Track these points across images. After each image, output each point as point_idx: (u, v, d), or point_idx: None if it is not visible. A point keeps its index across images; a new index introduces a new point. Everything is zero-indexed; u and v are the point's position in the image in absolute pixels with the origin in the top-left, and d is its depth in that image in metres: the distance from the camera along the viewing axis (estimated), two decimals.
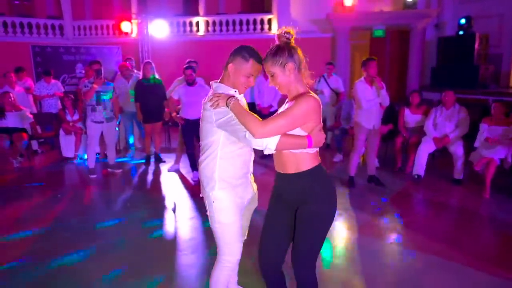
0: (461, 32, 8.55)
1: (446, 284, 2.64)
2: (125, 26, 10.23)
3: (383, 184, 4.72)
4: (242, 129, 1.76)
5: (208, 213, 2.01)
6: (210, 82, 2.05)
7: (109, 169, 5.49)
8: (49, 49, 10.37)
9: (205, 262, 2.95)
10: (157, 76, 5.80)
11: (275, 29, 10.60)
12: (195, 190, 4.72)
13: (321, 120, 1.85)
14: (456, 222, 3.84)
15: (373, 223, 3.69)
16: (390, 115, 5.71)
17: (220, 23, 11.11)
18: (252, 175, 2.11)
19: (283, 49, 1.79)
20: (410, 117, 5.41)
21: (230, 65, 1.92)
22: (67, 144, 6.33)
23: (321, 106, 1.82)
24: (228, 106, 1.78)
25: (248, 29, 10.93)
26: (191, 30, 11.30)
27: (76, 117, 6.41)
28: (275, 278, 1.99)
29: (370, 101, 4.40)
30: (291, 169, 1.83)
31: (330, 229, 1.90)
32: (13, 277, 2.78)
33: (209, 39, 11.07)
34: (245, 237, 2.21)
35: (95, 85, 5.00)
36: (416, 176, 4.86)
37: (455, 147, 4.75)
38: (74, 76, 10.45)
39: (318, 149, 1.86)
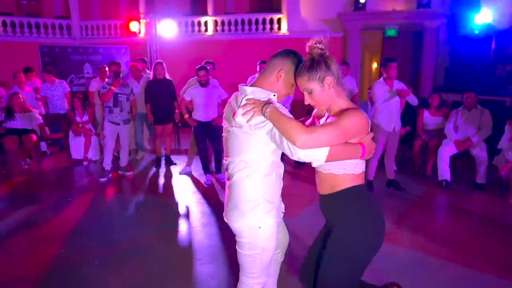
0: (476, 31, 8.37)
1: None
2: (134, 26, 10.14)
3: (403, 188, 4.56)
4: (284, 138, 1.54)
5: (241, 239, 1.73)
6: (240, 86, 1.75)
7: (120, 172, 5.37)
8: (57, 49, 10.31)
9: (224, 272, 2.82)
10: (167, 77, 5.69)
11: (284, 29, 10.47)
12: (208, 194, 4.60)
13: None
14: (481, 230, 3.67)
15: (395, 229, 3.54)
16: (408, 117, 5.54)
17: (229, 23, 10.99)
18: None
19: (319, 62, 1.57)
20: (429, 119, 5.24)
21: (281, 71, 1.67)
22: (76, 146, 6.25)
23: (369, 122, 1.63)
24: (264, 115, 1.55)
25: (257, 29, 10.80)
26: (199, 30, 11.19)
27: (85, 118, 6.31)
28: None
29: (388, 102, 4.26)
30: (328, 190, 1.69)
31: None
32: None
33: (218, 39, 10.95)
34: (285, 250, 2.04)
35: (113, 87, 4.90)
36: (443, 183, 4.67)
37: (478, 150, 4.58)
38: (82, 76, 10.38)
39: (363, 170, 1.68)
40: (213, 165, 5.22)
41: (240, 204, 1.69)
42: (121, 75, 5.10)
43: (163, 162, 5.92)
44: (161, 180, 5.26)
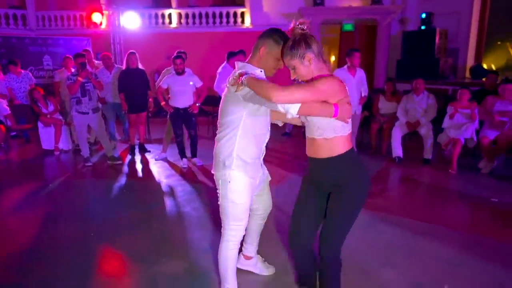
0: (423, 27, 9.23)
1: (434, 243, 3.02)
2: (96, 17, 10.03)
3: None
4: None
5: (219, 190, 2.06)
6: (235, 62, 2.06)
7: (109, 162, 5.43)
8: (14, 40, 9.95)
9: (213, 235, 3.14)
10: (140, 66, 5.83)
11: (248, 22, 10.81)
12: (186, 176, 4.87)
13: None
14: (430, 195, 4.30)
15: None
16: (365, 103, 6.14)
17: (193, 16, 11.13)
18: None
19: (299, 41, 1.78)
20: (384, 104, 5.85)
21: (262, 48, 1.94)
22: (46, 136, 6.21)
23: (347, 89, 1.82)
24: (243, 84, 1.81)
25: (221, 22, 11.04)
26: (163, 22, 11.23)
27: (51, 108, 6.28)
28: (306, 257, 2.06)
29: (349, 88, 4.76)
30: (324, 154, 1.83)
31: None
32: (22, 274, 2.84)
33: (182, 31, 11.05)
34: (267, 214, 2.41)
35: (80, 78, 4.97)
36: (396, 159, 5.30)
37: (425, 130, 5.24)
38: (41, 68, 10.09)
39: (350, 131, 1.87)
40: (189, 150, 5.48)
41: (218, 157, 2.03)
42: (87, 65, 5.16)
43: (137, 150, 6.08)
44: (139, 166, 5.44)
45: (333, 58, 13.35)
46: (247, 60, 2.06)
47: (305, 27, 1.81)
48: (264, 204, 2.38)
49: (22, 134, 7.01)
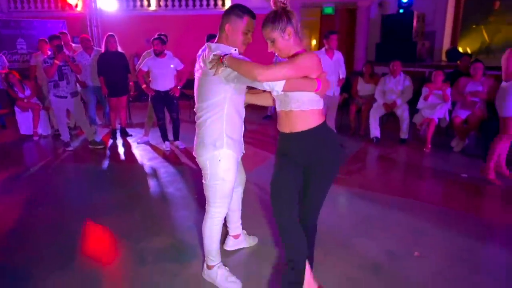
0: (401, 10, 9.37)
1: (407, 214, 3.20)
2: None
3: (342, 145, 5.28)
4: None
5: (206, 170, 2.07)
6: (207, 44, 2.02)
7: (90, 146, 5.39)
8: None
9: (196, 215, 3.23)
10: (119, 49, 5.75)
11: (228, 5, 10.69)
12: (169, 158, 4.91)
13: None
14: (405, 172, 4.50)
15: (340, 175, 4.20)
16: (345, 85, 6.27)
17: None
18: None
19: (281, 15, 1.81)
20: (363, 86, 6.00)
21: (226, 25, 1.96)
22: (24, 121, 6.10)
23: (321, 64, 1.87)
24: (224, 65, 1.82)
25: (201, 5, 10.88)
26: (142, 5, 10.96)
27: (28, 93, 6.15)
28: (297, 231, 1.93)
29: (327, 70, 4.86)
30: (301, 127, 1.88)
31: None
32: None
33: (161, 14, 10.84)
34: (243, 189, 2.50)
35: (56, 61, 4.87)
36: (374, 139, 5.48)
37: (401, 111, 5.42)
38: (15, 52, 9.74)
39: (323, 106, 1.93)
40: (171, 133, 5.49)
41: (205, 140, 2.03)
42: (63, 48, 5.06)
43: (118, 134, 6.05)
44: (121, 150, 5.43)
45: (314, 42, 13.42)
46: (215, 41, 2.03)
47: (286, 2, 1.84)
48: (241, 180, 2.49)
49: None
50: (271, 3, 1.88)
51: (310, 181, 1.96)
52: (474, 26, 10.59)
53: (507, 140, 3.79)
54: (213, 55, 1.89)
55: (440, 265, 2.49)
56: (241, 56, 1.93)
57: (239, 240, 2.67)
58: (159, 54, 5.01)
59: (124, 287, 2.29)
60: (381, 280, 2.32)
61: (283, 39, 1.85)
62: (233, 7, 1.99)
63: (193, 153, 2.14)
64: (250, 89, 2.10)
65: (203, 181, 2.14)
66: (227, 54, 1.85)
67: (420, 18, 9.25)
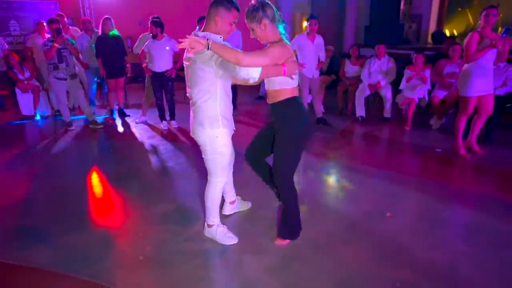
0: None
1: (384, 183, 3.59)
2: None
3: (329, 124, 5.63)
4: (231, 64, 2.13)
5: (206, 147, 2.36)
6: (193, 32, 2.24)
7: (90, 126, 5.64)
8: None
9: (195, 185, 3.57)
10: (116, 32, 5.95)
11: None
12: (167, 137, 5.22)
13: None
14: (387, 148, 4.90)
15: (327, 150, 4.58)
16: (333, 67, 6.59)
17: None
18: None
19: (257, 8, 2.20)
20: (349, 68, 6.31)
21: (216, 17, 2.20)
22: (25, 102, 6.31)
23: (291, 51, 2.28)
24: (209, 48, 2.05)
25: None
26: None
27: (27, 74, 6.34)
28: (260, 165, 2.71)
29: (307, 53, 5.17)
30: (273, 100, 2.38)
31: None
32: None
33: None
34: (233, 162, 2.76)
35: (56, 44, 5.07)
36: (359, 118, 5.85)
37: (385, 91, 5.77)
38: (8, 34, 9.78)
39: (296, 85, 2.35)
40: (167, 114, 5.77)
41: (203, 121, 2.31)
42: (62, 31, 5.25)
43: (116, 115, 6.31)
44: (120, 129, 5.71)
45: (305, 24, 13.57)
46: (202, 29, 2.28)
47: None
48: (232, 154, 2.79)
49: None
50: None
51: (275, 143, 2.41)
52: (459, 9, 10.88)
53: (464, 117, 4.16)
54: (200, 36, 2.12)
55: (407, 221, 2.89)
56: (223, 42, 2.22)
57: (235, 206, 3.02)
58: (155, 36, 5.24)
59: (135, 244, 2.64)
60: (356, 234, 2.71)
61: (260, 29, 2.24)
62: (220, 0, 2.22)
63: (190, 134, 2.45)
64: None
65: (203, 155, 2.46)
66: (210, 39, 2.07)
67: (407, 1, 9.50)
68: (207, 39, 2.06)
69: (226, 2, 2.22)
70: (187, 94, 2.40)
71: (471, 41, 3.81)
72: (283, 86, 2.33)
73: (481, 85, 3.93)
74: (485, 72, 3.89)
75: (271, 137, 2.49)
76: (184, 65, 2.37)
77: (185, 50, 2.25)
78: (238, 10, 2.28)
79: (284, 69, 2.23)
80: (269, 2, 2.26)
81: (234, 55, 2.09)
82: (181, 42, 2.07)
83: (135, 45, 5.78)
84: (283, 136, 2.36)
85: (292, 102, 2.36)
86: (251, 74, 2.18)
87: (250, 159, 2.71)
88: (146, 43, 5.36)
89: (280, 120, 2.37)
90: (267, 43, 2.30)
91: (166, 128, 5.54)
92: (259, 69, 2.17)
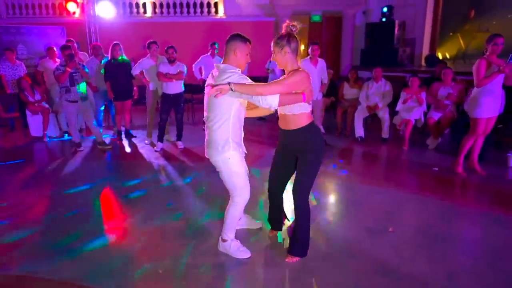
0: (383, 19, 10.07)
1: (385, 200, 3.78)
2: (71, 6, 10.13)
3: (330, 144, 5.86)
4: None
5: (221, 169, 2.58)
6: (215, 64, 2.56)
7: (99, 147, 5.82)
8: None
9: (206, 203, 3.75)
10: (125, 57, 6.22)
11: (221, 13, 11.23)
12: (174, 157, 5.41)
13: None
14: (387, 167, 5.11)
15: (327, 169, 4.78)
16: (332, 90, 6.87)
17: (168, 5, 11.39)
18: None
19: (284, 36, 2.45)
20: (348, 90, 6.60)
21: (237, 51, 2.47)
22: (35, 124, 6.51)
23: (310, 78, 2.47)
24: (233, 90, 2.34)
25: (195, 12, 11.37)
26: (138, 12, 11.42)
27: (38, 97, 6.57)
28: (277, 201, 2.93)
29: (312, 78, 5.44)
30: (293, 126, 2.52)
31: None
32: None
33: (157, 21, 11.30)
34: None
35: (68, 69, 5.33)
36: (358, 138, 6.09)
37: (383, 113, 6.03)
38: (16, 58, 10.06)
39: (311, 110, 2.54)
40: (170, 134, 5.95)
41: (216, 144, 2.53)
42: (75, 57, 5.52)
43: (123, 136, 6.51)
44: (127, 149, 5.90)
45: (302, 47, 14.05)
46: (223, 61, 2.56)
47: (294, 28, 2.49)
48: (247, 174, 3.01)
49: (8, 123, 7.22)
50: (283, 26, 2.53)
51: (298, 166, 2.58)
52: (451, 34, 11.37)
53: (473, 138, 4.39)
54: (226, 82, 2.38)
55: (407, 236, 3.07)
56: (243, 77, 2.45)
57: (241, 222, 3.14)
58: (173, 61, 5.51)
59: (154, 258, 2.79)
60: (360, 248, 2.88)
61: (280, 55, 2.49)
62: (238, 36, 2.52)
63: (205, 154, 2.66)
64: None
65: (220, 177, 2.65)
66: (230, 83, 2.35)
67: (401, 26, 9.96)
68: (229, 83, 2.34)
69: (241, 37, 2.52)
70: (204, 119, 2.63)
71: (479, 67, 4.03)
72: (303, 110, 2.50)
73: (490, 107, 4.15)
74: (493, 95, 4.12)
75: (289, 165, 2.69)
76: (204, 91, 2.61)
77: (208, 77, 2.56)
78: (250, 43, 2.56)
79: (304, 96, 2.43)
80: (296, 36, 2.49)
81: (253, 89, 2.34)
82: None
83: (133, 67, 6.03)
84: (309, 160, 2.52)
85: (313, 128, 2.54)
86: (270, 102, 2.37)
87: (273, 194, 2.91)
88: (161, 67, 5.53)
89: (306, 145, 2.52)
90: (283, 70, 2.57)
91: (159, 149, 5.65)
92: (277, 96, 2.36)
